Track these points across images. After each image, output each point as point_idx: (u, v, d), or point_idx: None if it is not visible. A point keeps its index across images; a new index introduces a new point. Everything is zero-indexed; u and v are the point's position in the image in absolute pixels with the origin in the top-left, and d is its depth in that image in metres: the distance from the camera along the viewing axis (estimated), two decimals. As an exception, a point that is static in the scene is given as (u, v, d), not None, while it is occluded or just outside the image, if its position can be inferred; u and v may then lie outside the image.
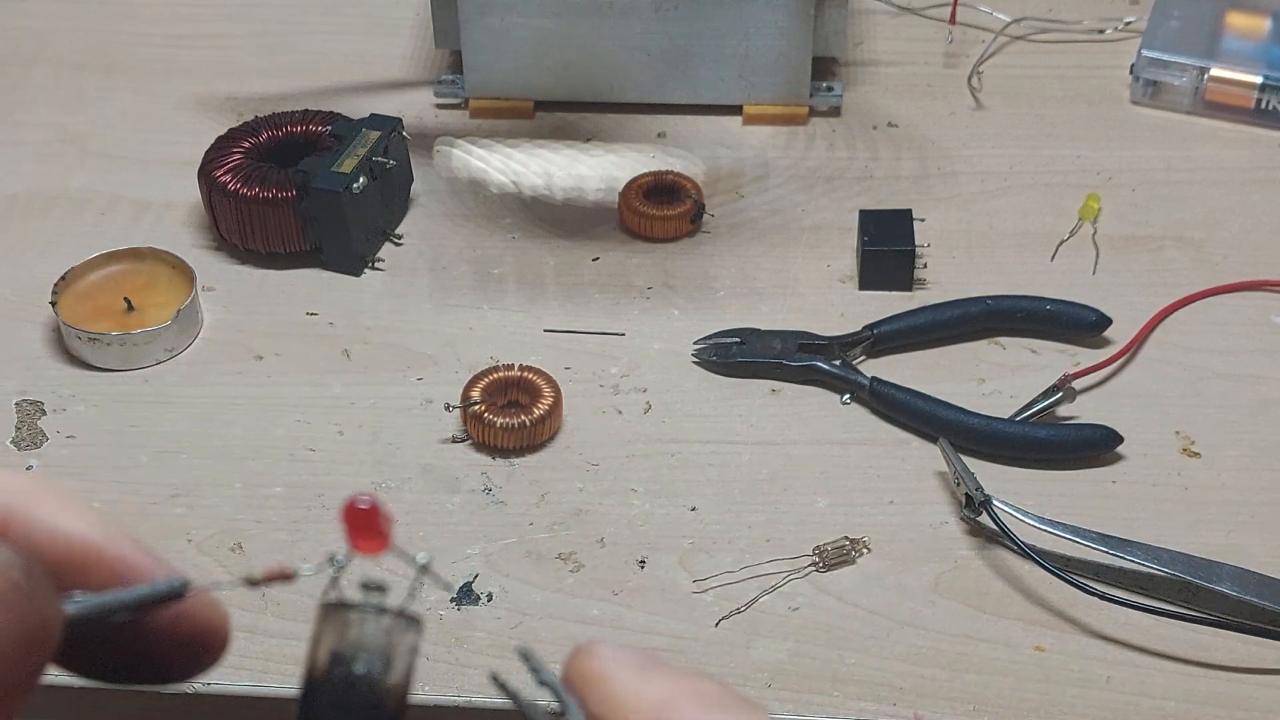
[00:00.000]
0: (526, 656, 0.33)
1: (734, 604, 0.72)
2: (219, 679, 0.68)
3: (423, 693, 0.67)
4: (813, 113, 1.00)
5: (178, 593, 0.32)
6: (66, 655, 0.32)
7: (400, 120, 0.91)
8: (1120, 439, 0.78)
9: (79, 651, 0.33)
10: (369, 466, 0.78)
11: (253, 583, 0.32)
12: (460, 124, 1.01)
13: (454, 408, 0.80)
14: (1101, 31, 1.08)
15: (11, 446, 0.80)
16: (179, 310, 0.84)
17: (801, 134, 1.00)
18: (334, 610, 0.32)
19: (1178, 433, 0.79)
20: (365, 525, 0.32)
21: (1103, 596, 0.69)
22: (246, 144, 0.91)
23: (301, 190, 0.87)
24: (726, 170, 0.97)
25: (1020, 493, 0.75)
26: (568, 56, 0.99)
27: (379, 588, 0.32)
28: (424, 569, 0.33)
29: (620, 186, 0.93)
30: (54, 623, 0.30)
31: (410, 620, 0.32)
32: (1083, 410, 0.80)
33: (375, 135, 0.90)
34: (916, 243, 0.87)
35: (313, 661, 0.31)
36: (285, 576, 0.32)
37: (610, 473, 0.78)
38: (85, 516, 0.32)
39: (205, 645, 0.33)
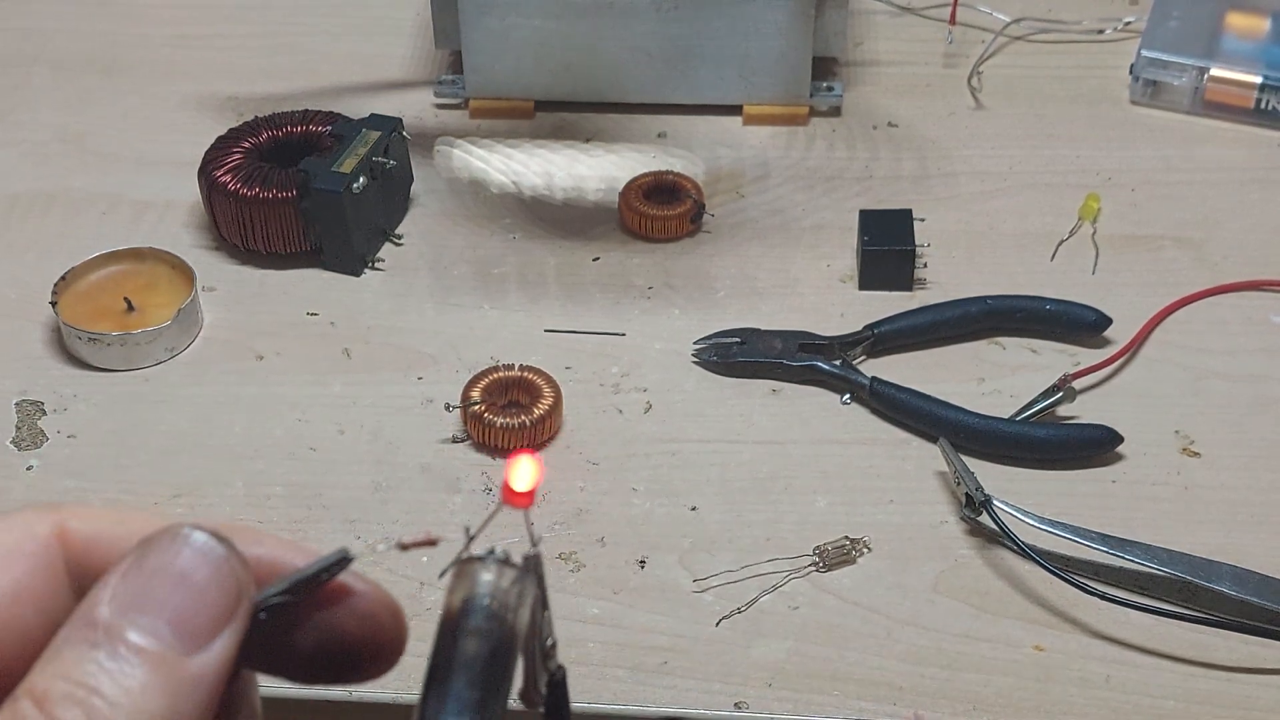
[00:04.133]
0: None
1: (734, 603, 0.72)
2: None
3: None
4: (813, 113, 1.01)
5: (345, 559, 0.35)
6: (263, 655, 0.36)
7: (400, 120, 0.91)
8: (1120, 439, 0.78)
9: (273, 651, 0.36)
10: (369, 466, 0.78)
11: (403, 547, 0.37)
12: (460, 124, 1.01)
13: (454, 407, 0.80)
14: (1101, 32, 1.08)
15: (12, 446, 0.80)
16: (179, 310, 0.84)
17: (801, 134, 1.00)
18: (467, 565, 0.36)
19: (1178, 433, 0.79)
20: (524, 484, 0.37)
21: (1103, 596, 0.69)
22: (246, 144, 0.91)
23: (302, 190, 0.87)
24: (727, 170, 0.97)
25: (1020, 493, 0.75)
26: (568, 57, 0.99)
27: (505, 558, 0.36)
28: (537, 548, 0.37)
29: (620, 186, 0.93)
30: (247, 586, 0.33)
31: (533, 575, 0.36)
32: (1083, 410, 0.80)
33: (375, 135, 0.90)
34: (916, 243, 0.87)
35: (448, 608, 0.35)
36: (430, 543, 0.37)
37: (610, 472, 0.78)
38: (272, 537, 0.36)
39: (388, 628, 0.36)
